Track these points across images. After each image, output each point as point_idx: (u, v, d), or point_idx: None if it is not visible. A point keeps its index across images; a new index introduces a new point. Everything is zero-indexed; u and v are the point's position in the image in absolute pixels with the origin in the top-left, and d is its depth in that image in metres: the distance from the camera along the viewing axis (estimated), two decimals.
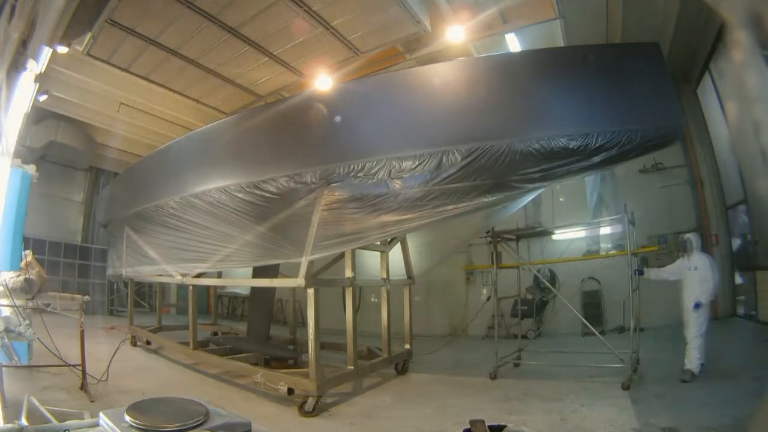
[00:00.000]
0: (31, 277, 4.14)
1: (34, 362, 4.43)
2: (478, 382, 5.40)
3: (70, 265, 12.88)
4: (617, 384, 4.65)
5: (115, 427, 1.31)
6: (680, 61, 7.07)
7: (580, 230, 8.02)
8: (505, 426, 1.35)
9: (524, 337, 8.55)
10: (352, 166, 4.35)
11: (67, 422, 1.80)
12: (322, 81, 8.43)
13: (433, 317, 10.19)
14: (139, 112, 10.11)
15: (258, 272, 6.34)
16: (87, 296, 4.75)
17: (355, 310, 5.29)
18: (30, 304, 4.06)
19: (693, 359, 4.66)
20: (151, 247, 6.83)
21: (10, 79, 3.14)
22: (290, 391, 4.43)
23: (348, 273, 5.26)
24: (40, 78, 3.57)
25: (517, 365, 6.08)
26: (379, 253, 6.11)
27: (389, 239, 5.90)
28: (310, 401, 4.29)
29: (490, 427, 1.34)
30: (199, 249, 5.96)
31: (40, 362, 4.48)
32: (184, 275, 6.42)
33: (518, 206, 6.34)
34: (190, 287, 6.65)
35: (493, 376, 5.48)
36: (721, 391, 4.14)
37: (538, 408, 4.18)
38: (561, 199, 9.52)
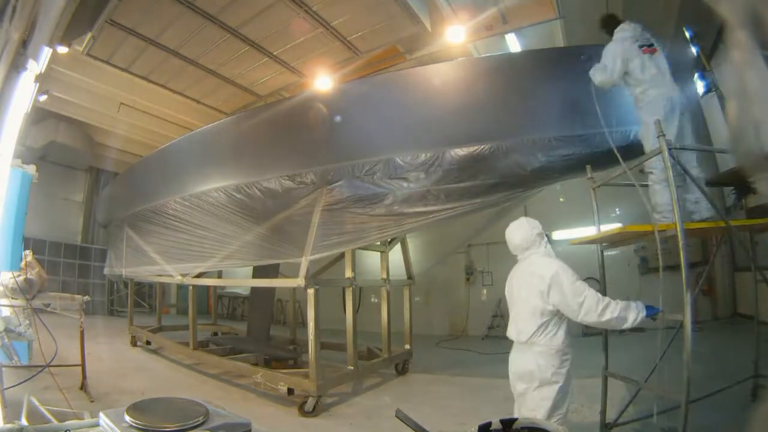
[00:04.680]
0: (31, 277, 4.13)
1: (34, 362, 4.42)
2: (478, 382, 5.40)
3: (70, 265, 12.88)
4: None
5: (115, 427, 1.31)
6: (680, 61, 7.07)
7: None
8: (516, 419, 1.36)
9: None
10: (352, 166, 4.36)
11: (67, 422, 1.80)
12: (322, 81, 8.43)
13: (433, 317, 10.19)
14: (139, 112, 10.11)
15: (258, 272, 6.35)
16: (87, 296, 4.75)
17: (355, 310, 5.29)
18: (30, 304, 4.06)
19: None
20: (151, 247, 6.83)
21: (10, 79, 3.14)
22: (290, 391, 4.44)
23: (348, 273, 5.27)
24: (40, 78, 3.56)
25: None
26: (379, 253, 6.11)
27: (389, 239, 5.90)
28: (310, 401, 4.29)
29: (501, 420, 1.35)
30: (199, 249, 5.96)
31: (39, 362, 4.48)
32: (184, 275, 6.42)
33: (519, 206, 6.34)
34: (190, 287, 6.65)
35: None
36: None
37: None
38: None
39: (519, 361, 2.47)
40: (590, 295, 2.28)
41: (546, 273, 2.41)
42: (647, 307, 2.33)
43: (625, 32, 3.49)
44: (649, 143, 3.23)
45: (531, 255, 2.59)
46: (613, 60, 3.40)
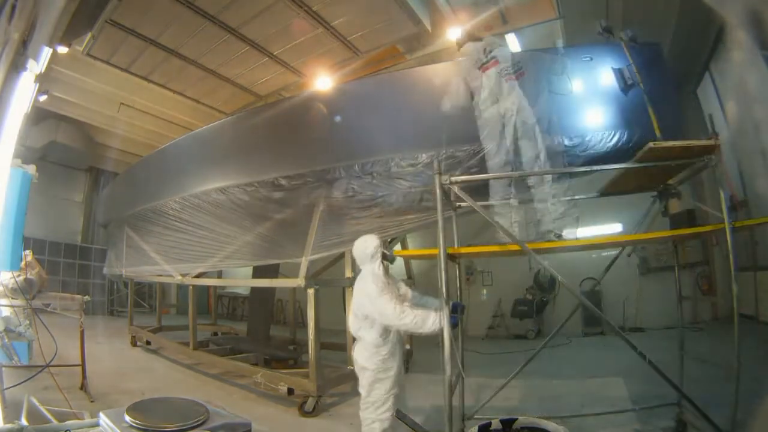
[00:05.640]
0: (31, 277, 4.13)
1: (34, 362, 4.43)
2: (478, 382, 5.39)
3: (70, 265, 12.87)
4: None
5: (115, 427, 1.31)
6: (680, 61, 7.08)
7: None
8: (515, 419, 1.37)
9: (523, 337, 8.57)
10: (352, 166, 4.36)
11: (67, 422, 1.80)
12: (322, 81, 8.43)
13: None
14: (139, 112, 10.11)
15: (258, 272, 6.35)
16: (87, 296, 4.75)
17: None
18: (30, 304, 4.06)
19: None
20: (151, 247, 6.84)
21: (10, 79, 3.13)
22: (290, 391, 4.44)
23: (348, 273, 5.26)
24: (40, 78, 3.56)
25: None
26: None
27: (389, 239, 5.90)
28: (310, 401, 4.29)
29: (501, 420, 1.36)
30: (199, 249, 5.96)
31: (39, 362, 4.48)
32: (184, 275, 6.42)
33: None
34: (190, 287, 6.64)
35: None
36: None
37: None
38: None
39: (354, 350, 2.99)
40: (389, 307, 2.74)
41: (362, 287, 2.90)
42: (452, 316, 2.81)
43: (467, 53, 3.56)
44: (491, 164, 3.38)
45: (364, 268, 2.99)
46: (456, 83, 3.51)
